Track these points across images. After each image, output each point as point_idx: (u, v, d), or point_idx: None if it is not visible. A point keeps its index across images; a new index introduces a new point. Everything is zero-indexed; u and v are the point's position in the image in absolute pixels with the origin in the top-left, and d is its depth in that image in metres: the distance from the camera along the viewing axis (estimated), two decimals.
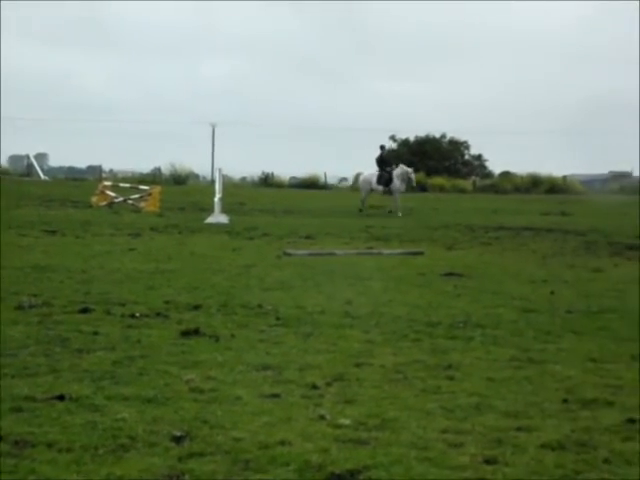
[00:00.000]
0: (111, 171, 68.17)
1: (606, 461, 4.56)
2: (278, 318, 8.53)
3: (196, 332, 7.58)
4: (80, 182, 51.27)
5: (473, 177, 67.41)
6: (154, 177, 57.56)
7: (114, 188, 31.30)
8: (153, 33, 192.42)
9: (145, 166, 68.49)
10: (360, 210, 30.06)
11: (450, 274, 12.52)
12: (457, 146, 72.69)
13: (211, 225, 21.92)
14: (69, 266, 12.03)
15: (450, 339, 7.74)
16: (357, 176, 31.40)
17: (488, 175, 71.22)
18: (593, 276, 13.17)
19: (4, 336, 7.23)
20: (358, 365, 6.62)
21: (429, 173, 59.95)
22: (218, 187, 24.80)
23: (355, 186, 63.39)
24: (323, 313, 8.90)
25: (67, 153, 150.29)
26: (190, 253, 14.87)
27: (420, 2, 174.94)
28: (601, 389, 6.06)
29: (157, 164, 63.49)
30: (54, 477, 4.16)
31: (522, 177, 63.64)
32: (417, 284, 11.58)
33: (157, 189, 29.67)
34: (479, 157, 73.82)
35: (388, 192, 30.30)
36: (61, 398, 5.42)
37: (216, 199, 24.16)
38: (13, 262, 12.28)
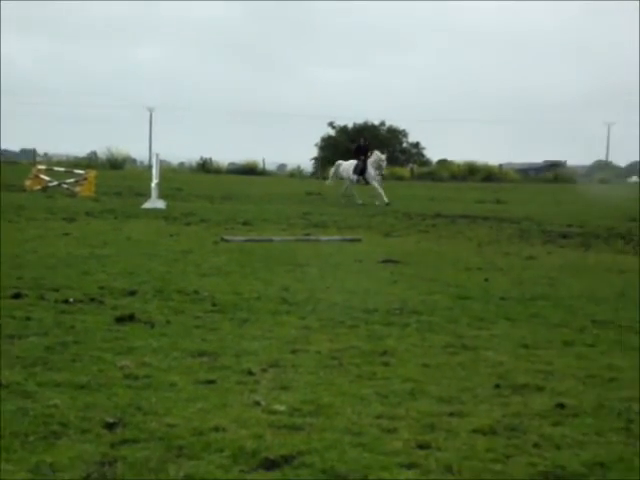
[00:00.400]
0: (45, 155, 66.85)
1: (536, 445, 4.64)
2: (214, 304, 8.50)
3: (131, 318, 7.50)
4: (13, 165, 50.26)
5: (411, 165, 68.00)
6: (90, 161, 56.82)
7: (49, 172, 30.80)
8: (89, 16, 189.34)
9: (81, 150, 67.58)
10: (342, 200, 29.11)
11: (387, 261, 12.61)
12: (395, 134, 73.29)
13: (148, 210, 21.72)
14: (2, 251, 11.79)
15: (386, 326, 7.79)
16: (337, 166, 31.02)
17: (426, 163, 71.96)
18: (527, 264, 13.39)
19: None
20: (294, 351, 6.63)
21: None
22: (155, 172, 24.54)
23: (294, 172, 63.79)
24: (260, 299, 8.89)
25: None
26: (126, 238, 14.70)
27: None
28: (532, 374, 6.17)
29: (93, 148, 62.78)
30: None
31: (459, 165, 64.46)
32: (354, 271, 11.64)
33: (93, 173, 29.23)
34: (417, 145, 74.54)
35: (363, 181, 29.73)
36: None
37: (153, 184, 23.92)
38: None
